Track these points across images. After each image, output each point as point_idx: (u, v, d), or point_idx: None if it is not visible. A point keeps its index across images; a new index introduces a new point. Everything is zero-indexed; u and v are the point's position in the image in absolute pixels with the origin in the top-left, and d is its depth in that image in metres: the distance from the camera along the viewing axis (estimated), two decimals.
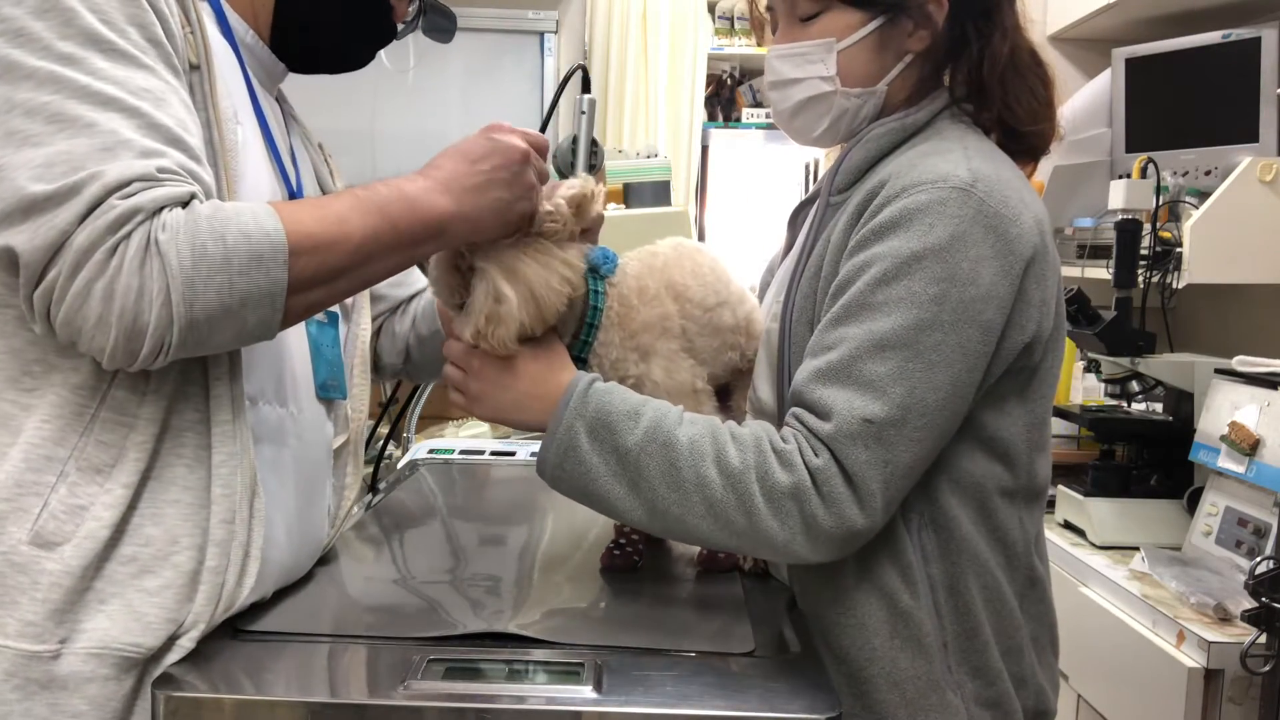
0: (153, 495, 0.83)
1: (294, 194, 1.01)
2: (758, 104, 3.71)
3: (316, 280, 0.82)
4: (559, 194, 0.98)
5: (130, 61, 0.78)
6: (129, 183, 0.74)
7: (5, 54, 0.75)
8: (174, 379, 0.84)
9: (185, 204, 0.77)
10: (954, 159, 0.95)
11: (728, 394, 1.16)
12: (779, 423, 0.96)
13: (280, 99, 1.09)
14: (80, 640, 0.79)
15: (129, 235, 0.73)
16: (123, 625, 0.80)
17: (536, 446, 1.64)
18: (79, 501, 0.81)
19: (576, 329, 1.03)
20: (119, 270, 0.73)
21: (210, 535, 0.84)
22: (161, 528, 0.82)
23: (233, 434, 0.86)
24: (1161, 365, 1.89)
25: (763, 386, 1.08)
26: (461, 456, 1.68)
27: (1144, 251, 1.93)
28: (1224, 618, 1.46)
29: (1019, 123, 1.03)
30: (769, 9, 1.09)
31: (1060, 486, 1.92)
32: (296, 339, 1.00)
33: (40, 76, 0.74)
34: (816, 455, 0.90)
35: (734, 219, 3.93)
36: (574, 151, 1.66)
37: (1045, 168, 2.32)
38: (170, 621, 0.82)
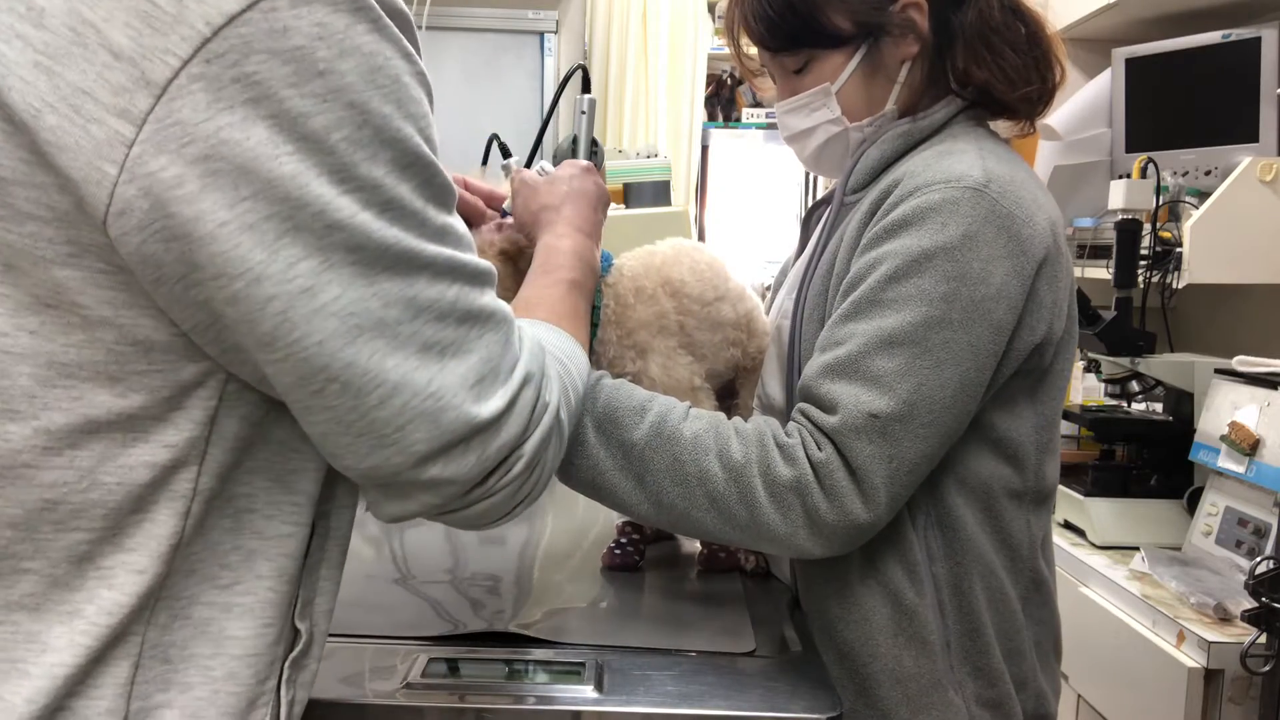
0: None
1: None
2: (758, 104, 3.70)
3: None
4: (495, 244, 1.01)
5: (454, 198, 0.65)
6: (537, 366, 0.68)
7: (390, 238, 0.57)
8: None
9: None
10: (968, 160, 0.95)
11: (733, 392, 1.16)
12: (787, 419, 0.96)
13: None
14: None
15: (553, 425, 0.68)
16: None
17: None
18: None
19: None
20: (550, 459, 0.69)
21: None
22: None
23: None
24: (1161, 365, 1.89)
25: (772, 383, 1.09)
26: None
27: (1144, 251, 1.93)
28: (1224, 618, 1.46)
29: (1010, 87, 1.01)
30: (763, 66, 1.10)
31: (1060, 486, 1.91)
32: None
33: (439, 266, 0.60)
34: (820, 449, 0.90)
35: (734, 219, 3.93)
36: (574, 151, 1.66)
37: (1045, 168, 2.32)
38: None
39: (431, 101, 0.62)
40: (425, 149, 0.60)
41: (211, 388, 0.59)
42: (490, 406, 0.62)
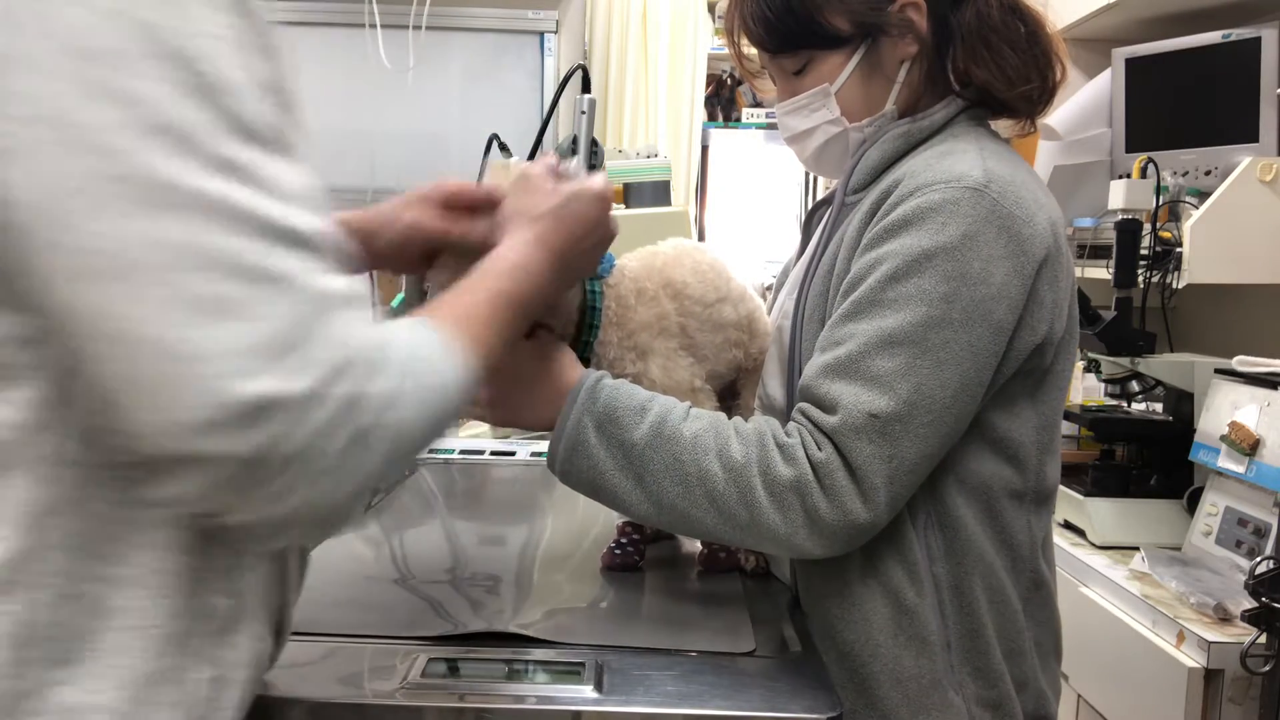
0: None
1: None
2: (758, 104, 3.71)
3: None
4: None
5: (279, 146, 0.56)
6: (351, 354, 0.57)
7: (161, 169, 0.50)
8: None
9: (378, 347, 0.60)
10: (969, 160, 0.95)
11: (735, 393, 1.16)
12: (788, 419, 0.96)
13: None
14: None
15: (370, 427, 0.58)
16: None
17: (537, 447, 1.63)
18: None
19: (578, 331, 1.03)
20: (368, 464, 0.58)
21: None
22: None
23: None
24: (1161, 365, 1.89)
25: (772, 383, 1.09)
26: (461, 456, 1.68)
27: (1144, 251, 1.93)
28: (1224, 618, 1.46)
29: (1010, 86, 1.01)
30: (763, 67, 1.11)
31: (1060, 486, 1.91)
32: None
33: (230, 211, 0.52)
34: (820, 449, 0.90)
35: (734, 219, 3.93)
36: (574, 151, 1.66)
37: (1045, 168, 2.32)
38: None
39: (266, 31, 0.55)
40: (230, 73, 0.52)
41: (54, 344, 0.54)
42: (276, 383, 0.53)
